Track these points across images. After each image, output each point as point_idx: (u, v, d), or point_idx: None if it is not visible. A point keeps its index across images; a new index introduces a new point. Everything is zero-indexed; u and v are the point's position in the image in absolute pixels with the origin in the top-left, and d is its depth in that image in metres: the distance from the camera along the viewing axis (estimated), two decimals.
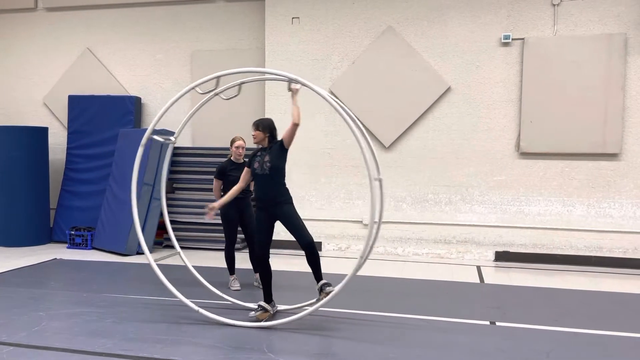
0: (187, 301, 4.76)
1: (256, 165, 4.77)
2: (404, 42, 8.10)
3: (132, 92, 9.48)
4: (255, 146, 4.98)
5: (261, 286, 4.96)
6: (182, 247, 8.49)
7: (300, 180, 8.55)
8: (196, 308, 4.73)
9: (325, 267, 7.61)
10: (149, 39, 9.45)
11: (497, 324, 4.87)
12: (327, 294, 4.51)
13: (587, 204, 7.61)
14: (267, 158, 4.74)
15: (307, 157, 8.52)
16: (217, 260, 7.69)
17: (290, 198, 4.85)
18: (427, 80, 8.02)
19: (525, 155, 7.80)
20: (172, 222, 8.59)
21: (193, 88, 4.77)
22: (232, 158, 5.83)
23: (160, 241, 8.74)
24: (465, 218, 8.06)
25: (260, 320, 4.70)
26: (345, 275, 4.51)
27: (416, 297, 5.82)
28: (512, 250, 7.86)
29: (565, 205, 7.70)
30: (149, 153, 8.07)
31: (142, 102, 9.49)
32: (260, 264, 4.81)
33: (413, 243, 8.26)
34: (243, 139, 5.81)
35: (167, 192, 8.60)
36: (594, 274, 7.11)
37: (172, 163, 8.65)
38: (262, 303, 4.83)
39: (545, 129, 7.64)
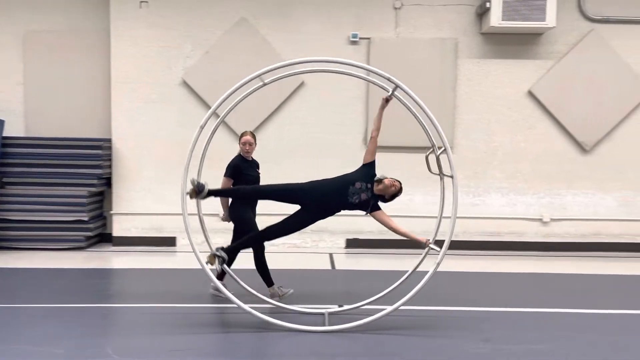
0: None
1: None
2: (258, 35, 8.13)
3: None
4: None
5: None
6: (14, 248, 7.76)
7: (152, 174, 8.19)
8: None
9: (180, 263, 7.43)
10: None
11: (346, 306, 5.16)
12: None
13: (424, 193, 8.33)
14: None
15: (160, 149, 8.18)
16: (57, 260, 7.07)
17: None
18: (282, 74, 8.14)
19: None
20: (1, 220, 7.79)
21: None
22: (241, 154, 5.34)
23: None
24: None
25: (207, 262, 4.52)
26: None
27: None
28: (361, 237, 8.36)
29: (407, 194, 8.33)
30: None
31: None
32: (261, 242, 4.96)
33: None
34: (252, 134, 5.33)
35: None
36: (432, 256, 7.83)
37: (2, 155, 7.71)
38: (222, 252, 4.62)
39: (388, 124, 8.15)
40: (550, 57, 8.14)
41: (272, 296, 5.17)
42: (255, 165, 5.44)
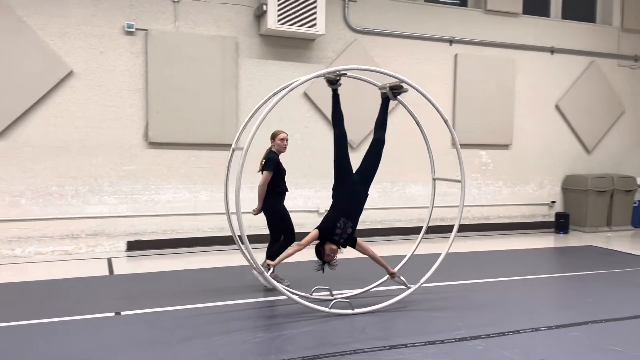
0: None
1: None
2: (13, 15, 7.11)
3: None
4: None
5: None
6: None
7: None
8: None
9: None
10: None
11: (123, 313, 4.87)
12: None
13: (210, 190, 8.34)
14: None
15: None
16: None
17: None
18: (45, 61, 7.28)
19: (154, 145, 7.99)
20: None
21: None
22: (274, 150, 5.65)
23: None
24: (95, 210, 7.73)
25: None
26: None
27: (36, 301, 5.26)
28: (144, 238, 7.97)
29: (192, 192, 8.26)
30: None
31: None
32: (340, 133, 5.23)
33: (35, 242, 7.43)
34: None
35: None
36: (218, 252, 7.90)
37: None
38: None
39: (172, 120, 8.00)
40: (321, 61, 8.85)
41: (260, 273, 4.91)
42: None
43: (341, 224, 4.91)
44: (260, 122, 4.61)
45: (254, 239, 5.74)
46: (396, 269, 5.38)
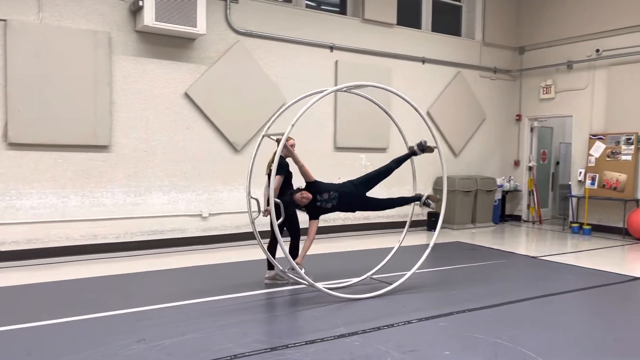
0: None
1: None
2: None
3: None
4: None
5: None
6: None
7: None
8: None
9: None
10: None
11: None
12: None
13: (81, 195, 7.79)
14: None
15: None
16: None
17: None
18: None
19: (15, 146, 7.27)
20: None
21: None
22: (282, 154, 5.69)
23: None
24: None
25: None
26: None
27: None
28: (3, 249, 7.22)
29: (59, 197, 7.64)
30: None
31: None
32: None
33: None
34: None
35: None
36: (89, 262, 7.39)
37: None
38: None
39: (36, 119, 7.34)
40: (203, 62, 8.66)
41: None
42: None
43: (331, 195, 5.53)
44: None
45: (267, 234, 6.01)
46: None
